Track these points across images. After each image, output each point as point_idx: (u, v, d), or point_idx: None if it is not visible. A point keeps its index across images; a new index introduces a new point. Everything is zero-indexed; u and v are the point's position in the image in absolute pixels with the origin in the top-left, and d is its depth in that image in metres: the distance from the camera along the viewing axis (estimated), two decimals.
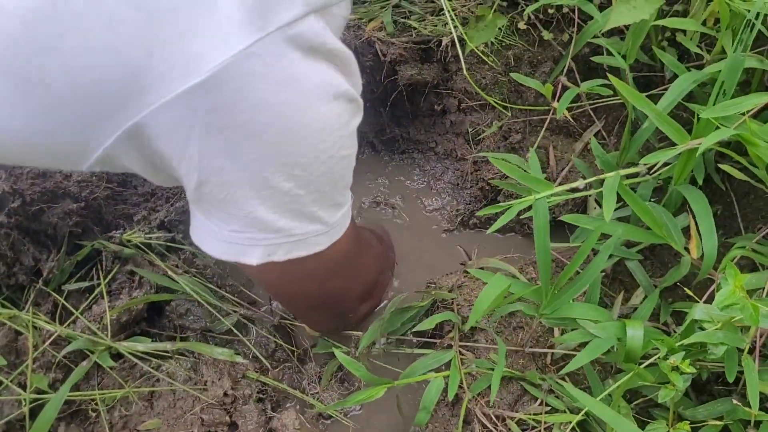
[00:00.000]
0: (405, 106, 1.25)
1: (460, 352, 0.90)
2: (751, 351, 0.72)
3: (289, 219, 0.65)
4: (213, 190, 0.61)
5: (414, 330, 0.93)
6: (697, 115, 0.76)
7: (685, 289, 0.79)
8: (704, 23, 0.93)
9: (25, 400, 0.87)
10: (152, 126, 0.53)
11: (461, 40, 1.01)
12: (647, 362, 0.75)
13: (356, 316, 1.00)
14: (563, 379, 0.83)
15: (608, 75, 0.82)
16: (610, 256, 0.94)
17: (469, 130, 1.21)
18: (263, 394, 0.93)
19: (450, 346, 0.91)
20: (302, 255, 0.69)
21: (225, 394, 0.88)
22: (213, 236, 0.68)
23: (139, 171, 0.61)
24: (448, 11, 0.96)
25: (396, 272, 1.14)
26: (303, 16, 0.54)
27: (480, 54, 1.05)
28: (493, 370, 0.81)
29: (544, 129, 1.12)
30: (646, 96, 1.01)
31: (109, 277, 0.98)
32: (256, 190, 0.61)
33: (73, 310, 0.93)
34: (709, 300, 0.84)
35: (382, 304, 1.08)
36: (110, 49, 0.48)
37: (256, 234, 0.65)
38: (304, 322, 1.01)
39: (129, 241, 0.99)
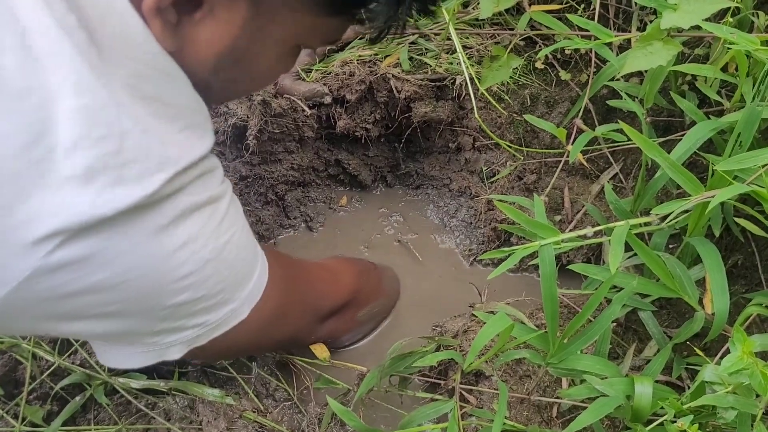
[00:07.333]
0: (419, 142, 1.24)
1: (462, 397, 0.87)
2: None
3: (200, 316, 0.62)
4: (105, 337, 0.61)
5: (414, 364, 0.90)
6: (712, 165, 0.73)
7: (696, 348, 0.75)
8: (726, 68, 0.90)
9: None
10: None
11: (474, 80, 1.00)
12: (656, 422, 0.71)
13: (319, 337, 0.97)
14: None
15: (621, 122, 0.80)
16: (623, 305, 0.91)
17: (484, 168, 1.19)
18: None
19: (453, 390, 0.88)
20: (226, 331, 0.66)
21: None
22: (124, 355, 0.65)
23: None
24: (461, 52, 0.94)
25: (403, 312, 1.12)
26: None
27: (490, 98, 1.03)
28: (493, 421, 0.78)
29: (559, 170, 1.09)
30: (665, 141, 0.99)
31: None
32: (152, 319, 0.59)
33: (74, 341, 0.93)
34: (725, 356, 0.81)
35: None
36: None
37: (169, 337, 0.62)
38: None
39: None
